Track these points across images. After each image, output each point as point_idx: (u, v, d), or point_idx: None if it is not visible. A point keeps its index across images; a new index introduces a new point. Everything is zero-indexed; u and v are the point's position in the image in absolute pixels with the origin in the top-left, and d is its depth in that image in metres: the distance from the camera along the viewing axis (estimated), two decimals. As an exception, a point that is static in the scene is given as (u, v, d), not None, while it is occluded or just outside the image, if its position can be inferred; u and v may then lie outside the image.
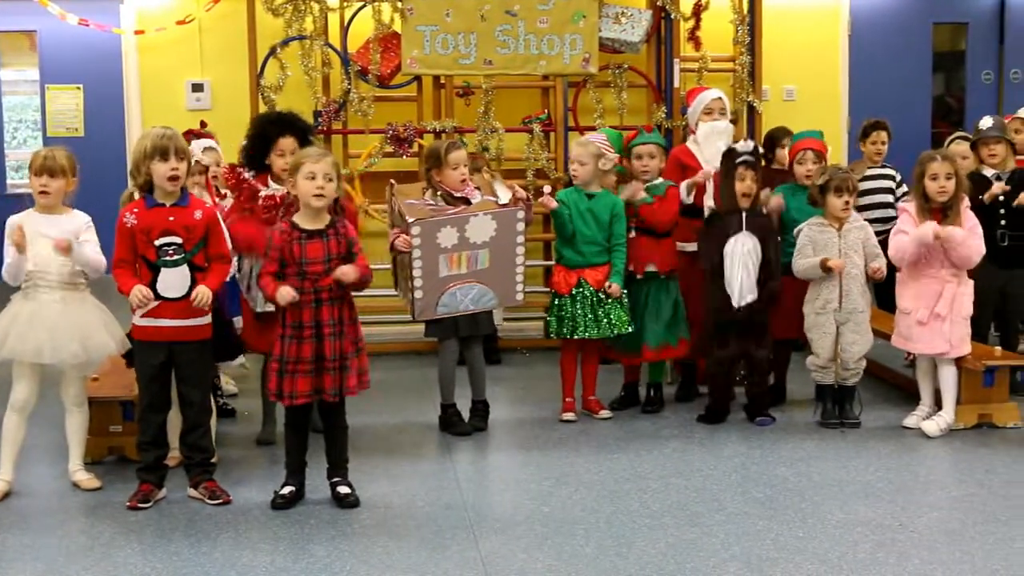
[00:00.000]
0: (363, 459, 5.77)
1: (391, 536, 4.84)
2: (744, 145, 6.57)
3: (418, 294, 5.90)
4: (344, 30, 8.47)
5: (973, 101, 10.30)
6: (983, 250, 6.33)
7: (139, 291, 5.07)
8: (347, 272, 5.10)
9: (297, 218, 5.18)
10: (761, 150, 7.09)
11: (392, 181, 6.25)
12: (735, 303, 6.43)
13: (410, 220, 5.82)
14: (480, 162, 7.58)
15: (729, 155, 6.52)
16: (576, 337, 6.54)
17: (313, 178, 5.08)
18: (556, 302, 6.62)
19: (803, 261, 6.43)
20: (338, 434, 5.34)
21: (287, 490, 5.24)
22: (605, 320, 6.50)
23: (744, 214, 6.46)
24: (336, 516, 5.10)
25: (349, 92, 8.38)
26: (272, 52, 8.27)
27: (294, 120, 6.12)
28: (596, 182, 6.62)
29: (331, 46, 8.43)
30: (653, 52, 8.91)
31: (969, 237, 6.25)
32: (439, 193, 6.11)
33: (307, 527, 4.96)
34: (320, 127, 8.22)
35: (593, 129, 7.80)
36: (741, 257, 6.43)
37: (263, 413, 6.32)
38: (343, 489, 5.25)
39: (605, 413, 6.73)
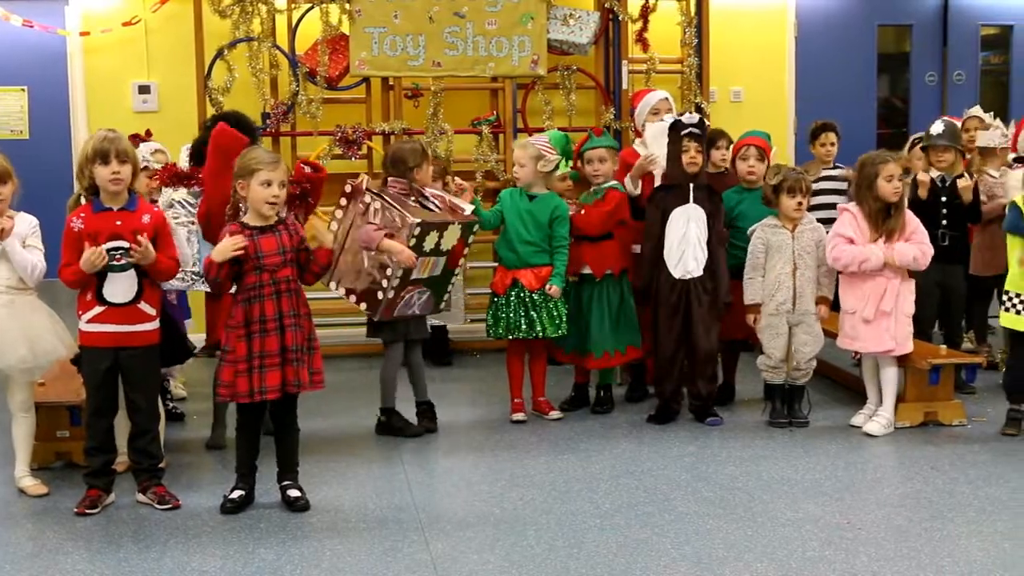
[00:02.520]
0: (313, 462, 5.76)
1: (341, 539, 4.83)
2: (689, 117, 6.58)
3: (389, 294, 5.91)
4: (292, 32, 8.44)
5: (917, 102, 10.41)
6: (931, 251, 6.41)
7: (90, 251, 5.01)
8: (322, 233, 5.31)
9: (246, 218, 5.16)
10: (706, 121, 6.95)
11: (365, 175, 6.23)
12: (676, 274, 6.46)
13: (414, 220, 5.80)
14: (438, 166, 7.56)
15: (675, 127, 6.54)
16: (510, 337, 6.56)
17: (269, 185, 5.07)
18: (493, 302, 6.64)
19: (752, 288, 6.50)
20: (290, 436, 5.33)
21: (237, 494, 5.21)
22: (537, 321, 6.51)
23: (692, 186, 6.50)
24: (286, 520, 5.09)
25: (297, 94, 8.34)
26: (219, 54, 8.22)
27: (252, 128, 6.11)
28: (539, 184, 6.63)
29: (279, 48, 8.40)
30: (601, 54, 8.94)
31: (916, 248, 6.33)
32: (411, 196, 6.12)
33: (257, 531, 4.94)
34: (268, 129, 8.18)
35: (542, 131, 7.81)
36: (686, 227, 6.47)
37: (213, 417, 6.28)
38: (293, 492, 5.24)
39: (555, 414, 6.74)
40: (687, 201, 6.49)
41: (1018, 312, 6.23)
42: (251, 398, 5.08)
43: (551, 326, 6.53)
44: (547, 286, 6.50)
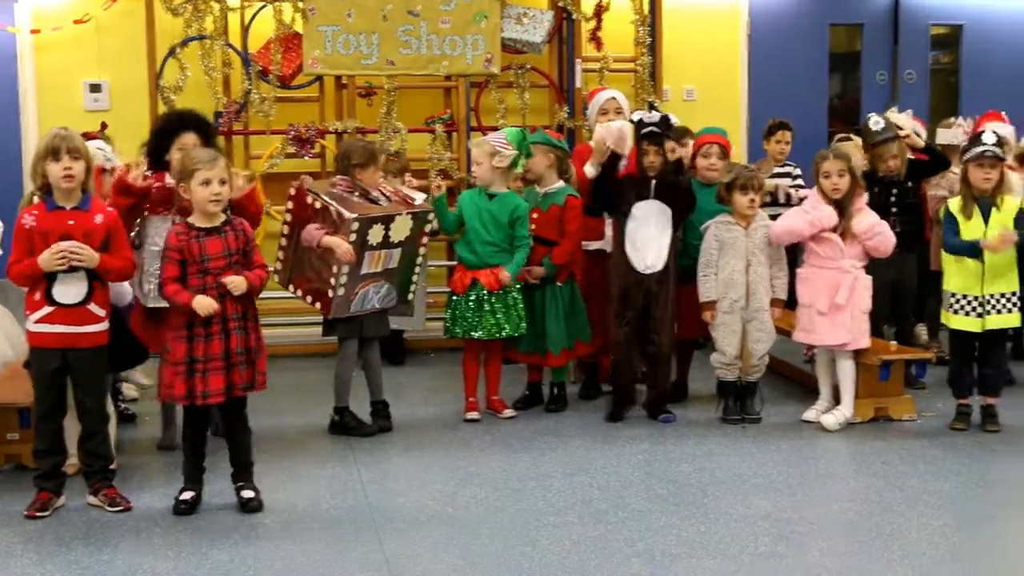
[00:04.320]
0: (267, 462, 5.72)
1: (295, 540, 4.81)
2: (650, 116, 6.56)
3: (340, 291, 5.89)
4: (245, 30, 8.41)
5: (868, 101, 10.49)
6: (893, 238, 6.48)
7: (50, 252, 4.96)
8: (237, 284, 5.04)
9: (192, 219, 5.13)
10: (674, 119, 6.77)
11: (306, 176, 6.21)
12: (640, 267, 6.47)
13: (350, 216, 5.78)
14: (399, 163, 7.55)
15: (637, 126, 6.54)
16: (470, 337, 6.56)
17: (208, 183, 5.03)
18: (452, 301, 6.63)
19: (706, 286, 6.51)
20: (242, 437, 5.30)
21: (188, 495, 5.18)
22: (496, 322, 6.51)
23: (653, 182, 6.51)
24: (239, 520, 5.07)
25: (250, 93, 8.30)
26: (171, 52, 8.17)
27: (196, 117, 6.04)
28: (499, 182, 6.62)
29: (231, 46, 8.36)
30: (555, 53, 8.96)
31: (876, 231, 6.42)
32: (356, 192, 6.10)
33: (210, 532, 4.92)
34: (221, 128, 8.14)
35: (496, 129, 7.82)
36: (647, 222, 6.48)
37: (163, 418, 6.23)
38: (247, 493, 5.21)
39: (509, 412, 6.74)
40: (649, 196, 6.51)
41: (956, 311, 6.30)
42: (193, 401, 5.05)
43: (510, 325, 6.53)
44: (500, 272, 6.48)
